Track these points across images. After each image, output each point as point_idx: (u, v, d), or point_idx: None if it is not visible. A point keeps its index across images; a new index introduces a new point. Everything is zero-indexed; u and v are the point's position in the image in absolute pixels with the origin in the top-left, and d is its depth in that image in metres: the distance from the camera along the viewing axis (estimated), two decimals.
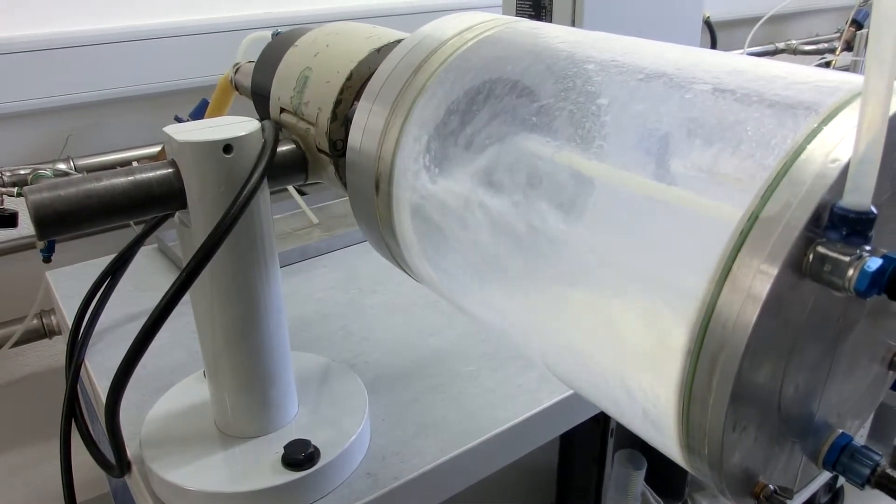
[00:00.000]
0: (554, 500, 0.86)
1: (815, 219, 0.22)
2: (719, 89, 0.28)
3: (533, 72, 0.35)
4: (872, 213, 0.22)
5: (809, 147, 0.24)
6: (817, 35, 1.77)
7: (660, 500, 0.93)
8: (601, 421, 0.76)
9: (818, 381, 0.28)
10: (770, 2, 1.54)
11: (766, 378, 0.25)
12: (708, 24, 1.49)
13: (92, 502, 1.11)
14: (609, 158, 0.30)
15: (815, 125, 0.24)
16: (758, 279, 0.23)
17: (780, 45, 1.68)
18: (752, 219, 0.23)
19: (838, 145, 0.23)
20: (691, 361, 0.25)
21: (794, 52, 1.68)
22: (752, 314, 0.23)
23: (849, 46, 1.49)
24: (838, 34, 1.56)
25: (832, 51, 1.58)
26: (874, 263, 0.22)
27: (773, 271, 0.22)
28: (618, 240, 0.29)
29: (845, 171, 0.22)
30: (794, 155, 0.24)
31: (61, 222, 0.39)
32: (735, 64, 0.30)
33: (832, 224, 0.22)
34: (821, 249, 0.23)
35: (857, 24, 1.48)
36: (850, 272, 0.22)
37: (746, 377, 0.24)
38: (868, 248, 0.22)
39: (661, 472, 0.92)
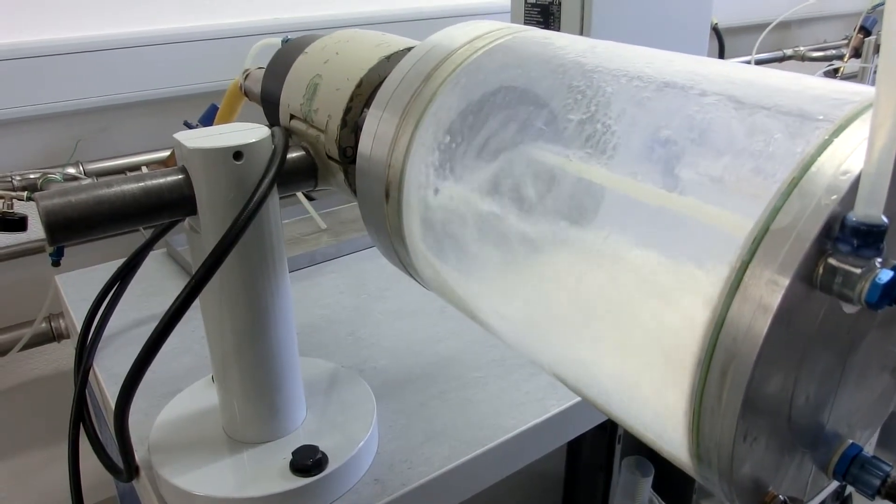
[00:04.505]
0: None
1: (826, 230, 0.22)
2: (730, 100, 0.28)
3: (543, 81, 0.35)
4: (884, 224, 0.22)
5: (820, 159, 0.24)
6: (825, 42, 1.77)
7: None
8: (608, 428, 0.76)
9: (828, 392, 0.28)
10: (778, 8, 1.54)
11: (777, 388, 0.25)
12: (716, 30, 1.49)
13: None
14: (620, 168, 0.30)
15: (826, 137, 0.24)
16: (769, 290, 0.23)
17: (788, 52, 1.68)
18: (763, 230, 0.23)
19: (849, 157, 0.23)
20: (702, 371, 0.25)
21: (802, 58, 1.67)
22: (763, 325, 0.23)
23: (857, 53, 1.48)
24: (846, 41, 1.56)
25: (840, 57, 1.57)
26: (886, 275, 0.22)
27: (785, 282, 0.22)
28: (627, 249, 0.29)
29: (856, 182, 0.22)
30: (804, 166, 0.24)
31: (72, 228, 0.40)
32: (745, 75, 0.30)
33: (843, 236, 0.22)
34: (832, 261, 0.23)
35: (866, 31, 1.48)
36: (862, 284, 0.22)
37: (757, 388, 0.24)
38: (879, 259, 0.22)
39: (669, 478, 0.92)
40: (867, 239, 0.22)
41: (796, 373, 0.25)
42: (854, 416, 0.31)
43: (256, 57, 0.79)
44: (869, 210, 0.22)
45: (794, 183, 0.24)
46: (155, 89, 1.01)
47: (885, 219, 0.22)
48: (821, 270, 0.23)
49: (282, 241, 0.47)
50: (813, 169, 0.24)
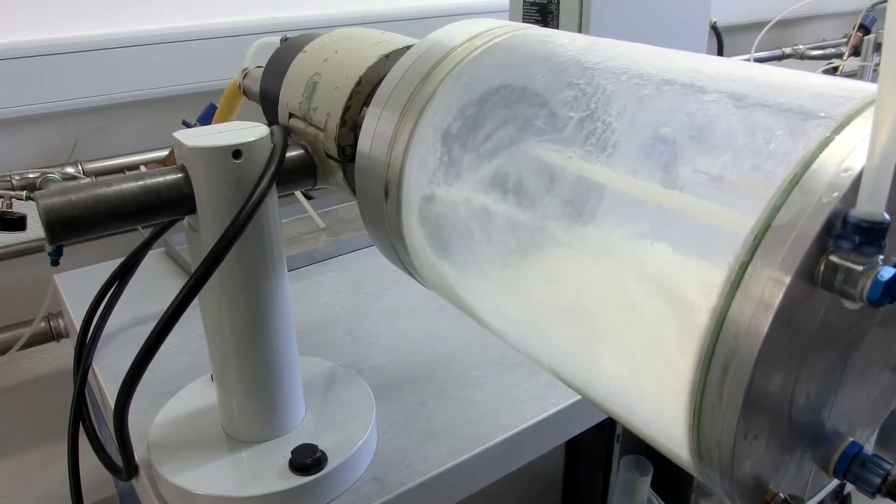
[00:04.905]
0: None
1: (828, 228, 0.22)
2: (730, 97, 0.28)
3: (543, 79, 0.35)
4: (886, 221, 0.22)
5: (822, 156, 0.24)
6: (824, 40, 1.77)
7: None
8: (607, 427, 0.75)
9: (829, 390, 0.28)
10: (777, 7, 1.54)
11: (778, 387, 0.25)
12: (715, 28, 1.49)
13: None
14: (620, 166, 0.30)
15: (827, 134, 0.24)
16: (770, 288, 0.23)
17: (787, 50, 1.68)
18: (764, 228, 0.23)
19: (850, 154, 0.23)
20: (702, 369, 0.25)
21: (801, 57, 1.67)
22: (764, 323, 0.23)
23: (856, 51, 1.48)
24: (845, 39, 1.56)
25: (839, 56, 1.57)
26: (887, 273, 0.22)
27: (786, 280, 0.22)
28: (628, 247, 0.29)
29: (858, 180, 0.22)
30: (805, 164, 0.24)
31: (72, 227, 0.40)
32: (746, 72, 0.30)
33: (845, 233, 0.22)
34: (833, 258, 0.23)
35: (865, 30, 1.48)
36: (863, 281, 0.22)
37: (758, 386, 0.24)
38: (881, 257, 0.22)
39: (667, 478, 0.92)
40: (869, 236, 0.22)
41: (797, 371, 0.25)
42: (855, 415, 0.31)
43: (255, 56, 0.78)
44: (870, 207, 0.22)
45: (795, 180, 0.24)
46: (153, 88, 1.00)
47: (886, 216, 0.22)
48: (822, 268, 0.23)
49: (281, 239, 0.47)
50: (814, 166, 0.24)
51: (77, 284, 0.82)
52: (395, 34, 0.48)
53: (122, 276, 0.56)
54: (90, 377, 0.65)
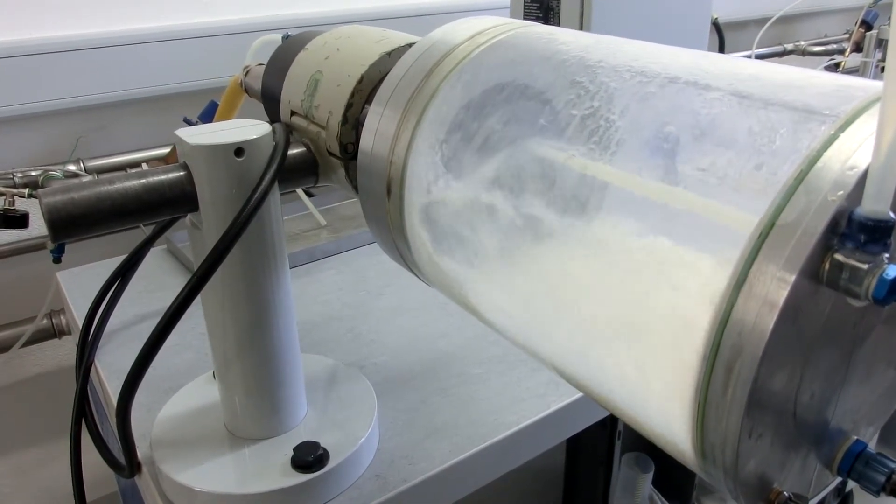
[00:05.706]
0: (561, 502, 0.86)
1: (833, 226, 0.22)
2: (735, 95, 0.28)
3: (545, 76, 0.35)
4: (891, 220, 0.22)
5: (826, 154, 0.24)
6: (826, 36, 1.77)
7: (667, 503, 0.92)
8: (608, 424, 0.76)
9: (834, 388, 0.28)
10: (778, 3, 1.54)
11: (782, 385, 0.25)
12: (716, 25, 1.49)
13: (100, 502, 1.11)
14: (623, 164, 0.29)
15: (832, 132, 0.24)
16: (775, 286, 0.23)
17: (789, 46, 1.68)
18: (769, 226, 0.23)
19: (856, 152, 0.23)
20: (707, 368, 0.25)
21: (803, 53, 1.67)
22: (768, 321, 0.23)
23: (858, 48, 1.48)
24: (847, 35, 1.56)
25: (841, 52, 1.57)
26: (893, 271, 0.22)
27: (791, 278, 0.22)
28: (631, 245, 0.29)
29: (863, 178, 0.22)
30: (810, 162, 0.24)
31: (74, 225, 0.39)
32: (750, 69, 0.30)
33: (850, 231, 0.22)
34: (838, 257, 0.22)
35: (867, 25, 1.47)
36: (869, 280, 0.22)
37: (763, 384, 0.24)
38: (886, 255, 0.22)
39: (669, 475, 0.92)
40: (874, 234, 0.22)
41: (802, 369, 0.25)
42: (859, 413, 0.30)
43: (257, 53, 0.78)
44: (876, 205, 0.22)
45: (799, 178, 0.24)
46: (155, 86, 1.00)
47: (892, 214, 0.22)
48: (827, 266, 0.23)
49: (283, 237, 0.47)
50: (819, 164, 0.23)
51: (79, 282, 0.82)
52: (397, 32, 0.48)
53: (124, 274, 0.56)
54: (92, 374, 0.65)
